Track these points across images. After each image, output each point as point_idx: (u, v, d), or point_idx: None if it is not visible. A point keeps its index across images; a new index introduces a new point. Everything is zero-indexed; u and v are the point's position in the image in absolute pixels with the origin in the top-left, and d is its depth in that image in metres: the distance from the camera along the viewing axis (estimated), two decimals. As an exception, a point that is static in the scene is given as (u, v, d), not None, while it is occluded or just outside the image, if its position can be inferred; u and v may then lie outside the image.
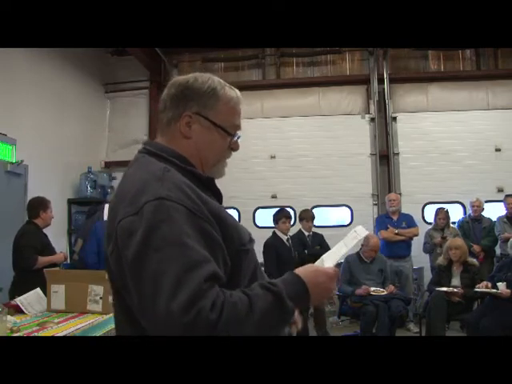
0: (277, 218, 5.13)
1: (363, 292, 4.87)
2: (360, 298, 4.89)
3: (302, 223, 5.71)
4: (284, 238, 5.03)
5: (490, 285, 4.46)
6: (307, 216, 5.65)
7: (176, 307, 0.87)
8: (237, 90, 1.25)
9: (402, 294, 5.24)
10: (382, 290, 4.97)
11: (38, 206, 4.29)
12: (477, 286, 4.54)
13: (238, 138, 1.25)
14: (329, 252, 1.27)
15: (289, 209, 6.82)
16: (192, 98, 1.18)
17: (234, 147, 1.25)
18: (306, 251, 5.26)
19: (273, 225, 5.26)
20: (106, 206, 4.77)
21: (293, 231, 5.65)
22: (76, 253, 5.11)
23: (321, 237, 5.68)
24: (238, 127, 1.24)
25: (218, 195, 1.21)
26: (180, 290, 0.89)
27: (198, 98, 1.18)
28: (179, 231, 0.96)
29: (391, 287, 5.00)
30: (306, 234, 5.58)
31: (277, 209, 5.57)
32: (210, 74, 1.23)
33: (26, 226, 4.29)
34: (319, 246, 5.42)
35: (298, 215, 6.16)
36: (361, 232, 1.31)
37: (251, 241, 1.17)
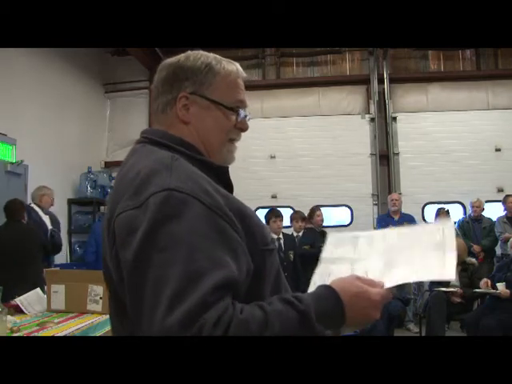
0: (267, 217, 5.13)
1: None
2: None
3: (292, 224, 5.79)
4: (274, 237, 5.03)
5: (490, 283, 4.46)
6: (295, 217, 5.82)
7: (172, 323, 0.74)
8: (237, 64, 1.09)
9: (401, 293, 5.23)
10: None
11: (21, 208, 4.39)
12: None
13: (245, 116, 1.08)
14: (401, 261, 0.97)
15: (288, 209, 6.84)
16: (186, 78, 1.03)
17: (241, 126, 1.07)
18: (292, 251, 5.26)
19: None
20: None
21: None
22: None
23: (314, 236, 5.71)
24: (242, 103, 1.07)
25: (229, 187, 1.03)
26: (179, 303, 0.75)
27: (193, 76, 1.03)
28: (189, 229, 0.81)
29: (390, 287, 4.98)
30: (295, 234, 5.64)
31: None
32: (203, 51, 1.08)
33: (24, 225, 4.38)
34: (309, 245, 5.42)
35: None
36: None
37: (273, 241, 1.03)
